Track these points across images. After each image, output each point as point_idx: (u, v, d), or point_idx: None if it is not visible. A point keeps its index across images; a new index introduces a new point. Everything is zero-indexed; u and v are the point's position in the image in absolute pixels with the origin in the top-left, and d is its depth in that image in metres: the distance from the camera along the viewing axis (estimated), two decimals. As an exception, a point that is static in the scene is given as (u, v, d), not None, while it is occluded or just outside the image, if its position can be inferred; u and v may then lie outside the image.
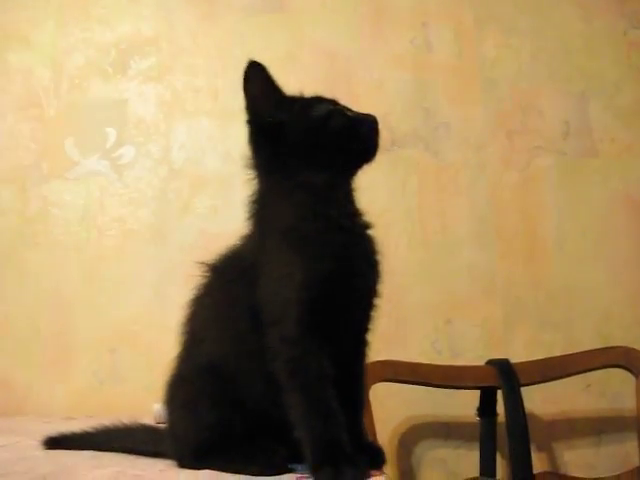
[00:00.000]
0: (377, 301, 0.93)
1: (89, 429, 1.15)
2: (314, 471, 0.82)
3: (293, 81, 1.78)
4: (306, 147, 0.94)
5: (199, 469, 0.90)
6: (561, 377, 1.51)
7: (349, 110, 0.99)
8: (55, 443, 1.13)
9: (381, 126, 1.67)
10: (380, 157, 1.73)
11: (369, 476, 0.82)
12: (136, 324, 1.68)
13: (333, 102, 1.01)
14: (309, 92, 1.73)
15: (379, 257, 0.93)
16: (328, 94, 1.76)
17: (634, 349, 1.48)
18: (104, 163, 1.77)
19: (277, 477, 0.85)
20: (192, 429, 0.94)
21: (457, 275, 1.71)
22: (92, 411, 1.54)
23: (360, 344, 0.94)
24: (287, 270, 0.87)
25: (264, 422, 0.90)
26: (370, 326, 0.93)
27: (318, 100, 1.01)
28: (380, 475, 0.84)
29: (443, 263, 1.72)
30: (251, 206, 0.96)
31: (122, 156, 1.77)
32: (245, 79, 0.93)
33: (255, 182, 0.96)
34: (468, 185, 1.76)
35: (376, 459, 0.90)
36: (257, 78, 0.92)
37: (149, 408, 1.33)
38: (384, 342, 1.67)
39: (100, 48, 1.81)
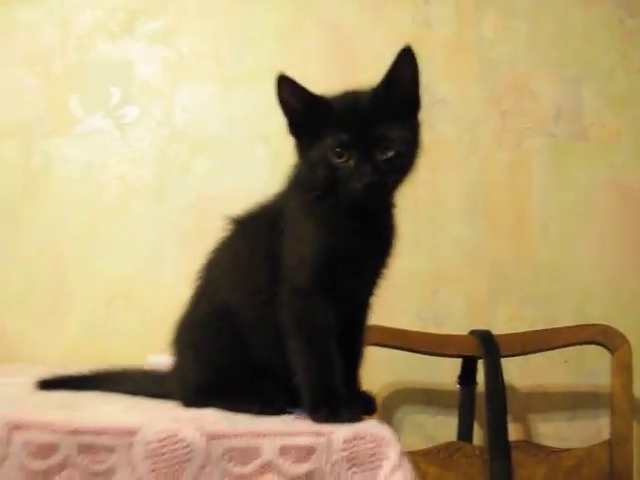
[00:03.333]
0: (382, 274, 1.01)
1: (85, 372, 1.19)
2: (311, 412, 0.89)
3: (297, 50, 1.85)
4: None
5: (203, 407, 0.96)
6: (540, 350, 1.57)
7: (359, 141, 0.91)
8: (50, 384, 1.16)
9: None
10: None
11: (361, 419, 0.88)
12: (131, 280, 1.73)
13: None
14: (313, 62, 1.79)
15: (392, 241, 1.00)
16: (329, 65, 1.82)
17: (611, 327, 1.53)
18: (107, 121, 1.80)
19: (276, 417, 0.91)
20: (199, 369, 1.01)
21: (445, 248, 1.77)
22: (86, 362, 1.57)
23: (363, 306, 1.03)
24: (307, 233, 0.94)
25: (267, 368, 0.97)
26: (374, 292, 1.02)
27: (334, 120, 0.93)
28: (372, 418, 0.91)
29: (432, 235, 1.77)
30: (290, 172, 1.02)
31: (125, 115, 1.80)
32: (277, 89, 0.94)
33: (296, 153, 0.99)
34: (460, 161, 1.81)
35: (368, 406, 0.97)
36: (286, 88, 0.94)
37: (141, 361, 1.36)
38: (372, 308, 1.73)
39: (107, 8, 1.83)
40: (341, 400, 0.89)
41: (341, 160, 0.89)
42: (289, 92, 0.92)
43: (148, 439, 0.82)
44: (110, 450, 0.82)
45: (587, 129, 1.83)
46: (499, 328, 1.63)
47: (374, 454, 0.82)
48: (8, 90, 1.80)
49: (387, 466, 0.81)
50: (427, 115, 1.78)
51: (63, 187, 1.77)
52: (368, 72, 1.76)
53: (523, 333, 1.58)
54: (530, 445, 1.49)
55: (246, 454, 0.82)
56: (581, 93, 1.84)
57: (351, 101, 0.92)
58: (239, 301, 0.99)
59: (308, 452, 0.82)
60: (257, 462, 0.82)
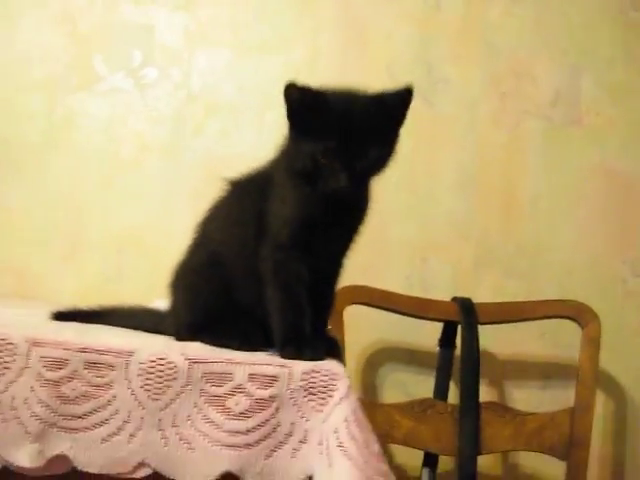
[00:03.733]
0: (353, 238, 1.15)
1: (96, 307, 1.35)
2: (280, 349, 1.04)
3: (310, 22, 1.94)
4: None
5: (192, 341, 1.11)
6: (516, 321, 1.67)
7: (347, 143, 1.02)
8: (64, 316, 1.30)
9: (384, 74, 1.84)
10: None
11: (322, 358, 1.03)
12: (143, 229, 1.85)
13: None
14: (324, 35, 1.87)
15: (363, 212, 1.15)
16: (341, 37, 1.91)
17: (583, 304, 1.62)
18: (128, 81, 1.90)
19: (252, 353, 1.05)
20: (190, 309, 1.17)
21: (437, 219, 1.87)
22: (98, 303, 1.71)
23: (336, 265, 1.17)
24: (290, 198, 1.08)
25: (249, 310, 1.12)
26: (346, 253, 1.16)
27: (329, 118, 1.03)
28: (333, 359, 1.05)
29: (425, 206, 1.87)
30: (280, 145, 1.13)
31: (145, 76, 1.90)
32: (286, 94, 1.04)
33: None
34: (458, 138, 1.90)
35: (332, 348, 1.11)
36: (295, 94, 1.04)
37: (150, 304, 1.49)
38: (363, 270, 1.80)
39: (134, -26, 1.94)
40: (306, 341, 1.04)
41: (325, 161, 1.01)
42: (297, 98, 1.03)
43: (142, 359, 0.98)
44: (110, 366, 0.97)
45: (582, 115, 1.90)
46: (482, 297, 1.73)
47: (327, 386, 0.97)
48: (37, 47, 1.90)
49: (336, 396, 0.96)
50: (430, 93, 1.91)
51: (83, 140, 1.89)
52: (377, 47, 1.89)
53: (501, 303, 1.68)
54: (499, 407, 1.59)
55: (221, 377, 0.97)
56: (580, 80, 1.91)
57: (345, 112, 1.02)
58: (229, 252, 1.14)
59: (272, 380, 0.97)
60: (230, 385, 0.97)
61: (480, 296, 1.74)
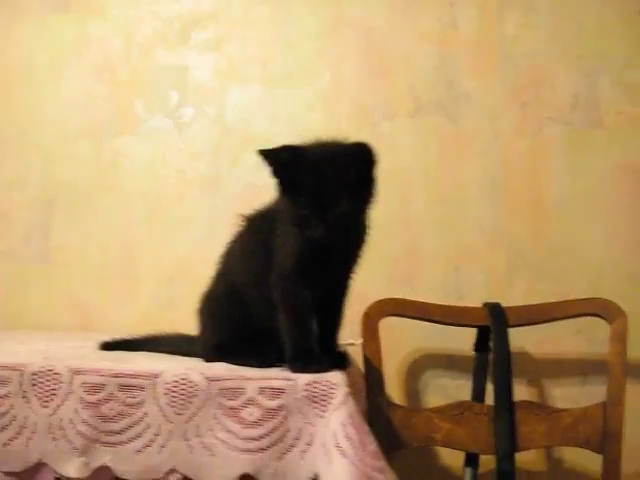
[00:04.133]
0: (352, 266, 1.29)
1: (137, 336, 1.53)
2: (290, 364, 1.19)
3: (333, 52, 2.04)
4: None
5: (218, 362, 1.27)
6: (546, 321, 1.69)
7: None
8: (110, 346, 1.49)
9: (407, 95, 1.93)
10: (405, 122, 2.00)
11: (328, 371, 1.17)
12: (190, 259, 1.98)
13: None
14: (348, 62, 1.95)
15: (359, 242, 1.28)
16: (362, 64, 2.00)
17: (611, 301, 1.62)
18: (167, 121, 2.04)
19: (269, 369, 1.20)
20: (215, 333, 1.34)
21: (467, 228, 1.93)
22: (152, 330, 1.83)
23: (339, 287, 1.31)
24: (289, 234, 1.22)
25: (265, 332, 1.26)
26: (348, 277, 1.30)
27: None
28: (337, 371, 1.18)
29: (455, 217, 1.94)
30: None
31: (183, 116, 2.04)
32: (264, 159, 1.20)
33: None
34: (482, 150, 1.96)
35: (340, 362, 1.26)
36: (270, 158, 1.19)
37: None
38: (400, 282, 1.93)
39: (166, 20, 2.07)
40: (312, 357, 1.18)
41: (304, 212, 1.14)
42: (271, 161, 1.18)
43: (167, 380, 1.14)
44: (141, 388, 1.15)
45: (603, 117, 1.94)
46: (516, 301, 1.76)
47: (327, 394, 1.11)
48: (81, 96, 2.07)
49: (335, 403, 1.10)
50: (452, 109, 1.98)
51: (130, 180, 2.04)
52: (398, 69, 1.98)
53: (530, 305, 1.72)
54: (533, 405, 1.63)
55: (235, 392, 1.13)
56: (597, 83, 1.95)
57: (315, 168, 1.14)
58: (245, 281, 1.30)
59: (279, 391, 1.12)
60: (243, 398, 1.13)
61: (513, 300, 1.77)
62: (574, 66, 1.97)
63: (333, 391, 1.11)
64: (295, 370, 1.16)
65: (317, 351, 1.20)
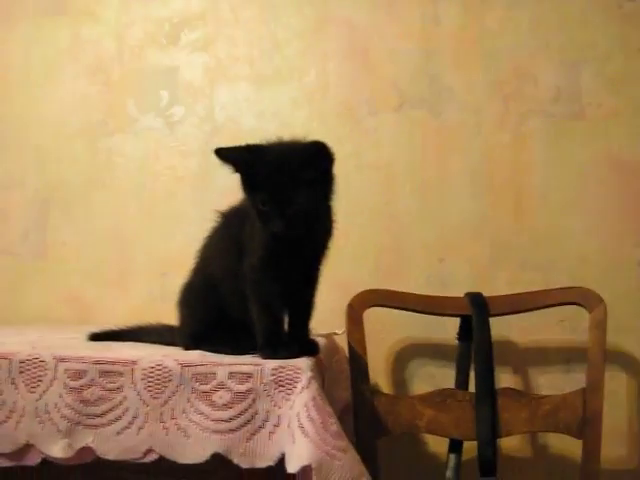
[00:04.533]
0: (320, 256, 1.34)
1: (124, 327, 1.60)
2: (260, 350, 1.25)
3: (318, 50, 2.08)
4: None
5: (195, 350, 1.34)
6: (527, 310, 1.71)
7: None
8: (98, 337, 1.57)
9: (391, 90, 1.93)
10: (390, 117, 2.04)
11: (297, 357, 1.22)
12: (182, 254, 1.95)
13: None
14: (333, 60, 1.99)
15: (324, 236, 1.33)
16: (347, 62, 2.04)
17: (590, 290, 1.65)
18: (159, 120, 2.10)
19: (241, 356, 1.25)
20: (192, 323, 1.41)
21: (451, 220, 1.96)
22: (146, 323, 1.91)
23: (308, 278, 1.35)
24: (257, 229, 1.26)
25: (238, 322, 1.33)
26: (316, 268, 1.35)
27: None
28: (305, 357, 1.24)
29: (440, 209, 1.97)
30: None
31: (173, 114, 2.10)
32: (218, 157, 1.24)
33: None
34: (465, 143, 1.98)
35: (311, 349, 1.31)
36: (225, 155, 1.24)
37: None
38: (385, 274, 1.96)
39: (156, 22, 2.12)
40: (281, 343, 1.25)
41: (264, 208, 1.19)
42: (227, 159, 1.23)
43: (144, 366, 1.21)
44: (120, 374, 1.21)
45: (585, 109, 1.95)
46: (500, 291, 1.78)
47: (292, 379, 1.16)
48: (76, 97, 2.13)
49: (299, 386, 1.15)
50: (435, 103, 2.02)
51: (124, 177, 2.10)
52: (382, 66, 2.01)
53: (511, 295, 1.75)
54: (514, 392, 1.65)
55: (207, 377, 1.19)
56: (579, 75, 1.96)
57: (273, 165, 1.18)
58: (219, 273, 1.36)
59: (248, 376, 1.17)
60: (214, 382, 1.18)
61: (497, 290, 1.79)
62: (556, 59, 1.98)
63: (298, 375, 1.16)
64: (265, 356, 1.22)
65: (286, 338, 1.27)
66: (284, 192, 1.18)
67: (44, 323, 2.01)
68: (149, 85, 2.12)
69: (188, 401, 1.18)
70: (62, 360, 1.23)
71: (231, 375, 1.18)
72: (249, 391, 1.16)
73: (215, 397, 1.17)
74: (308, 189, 1.18)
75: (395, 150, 2.01)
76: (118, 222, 2.10)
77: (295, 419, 1.12)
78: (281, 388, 1.16)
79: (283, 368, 1.17)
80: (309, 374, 1.16)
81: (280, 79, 2.07)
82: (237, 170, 1.23)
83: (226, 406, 1.16)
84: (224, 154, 1.22)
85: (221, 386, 1.17)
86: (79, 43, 2.16)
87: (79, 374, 1.21)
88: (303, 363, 1.18)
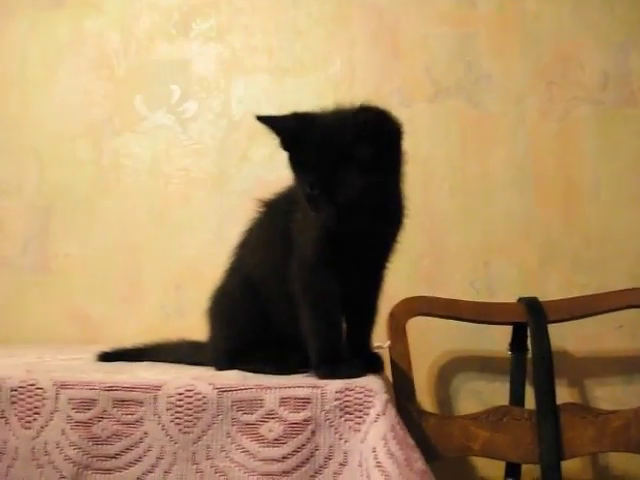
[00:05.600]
0: (388, 250, 1.13)
1: (139, 345, 1.38)
2: (315, 368, 1.02)
3: (342, 37, 1.92)
4: None
5: (230, 369, 1.11)
6: (587, 315, 1.59)
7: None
8: (109, 357, 1.34)
9: (424, 79, 1.80)
10: (424, 107, 1.88)
11: (359, 375, 1.00)
12: (199, 263, 1.86)
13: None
14: (360, 47, 1.84)
15: (393, 224, 1.12)
16: (375, 49, 1.88)
17: None
18: (170, 117, 1.94)
19: (291, 376, 1.04)
20: (228, 336, 1.16)
21: (495, 219, 1.82)
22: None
23: (372, 278, 1.13)
24: (310, 217, 1.04)
25: (285, 333, 1.11)
26: (383, 265, 1.13)
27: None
28: (372, 376, 1.03)
29: (482, 208, 1.82)
30: None
31: (186, 111, 1.94)
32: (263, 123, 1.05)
33: None
34: (507, 135, 1.84)
35: (374, 365, 1.09)
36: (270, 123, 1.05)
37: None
38: (426, 280, 1.81)
39: (164, 12, 1.97)
40: (341, 360, 1.02)
41: (314, 192, 0.99)
42: (273, 126, 1.04)
43: (170, 392, 0.98)
44: (139, 403, 0.99)
45: (636, 94, 1.83)
46: (552, 295, 1.65)
47: (362, 403, 0.95)
48: (78, 95, 1.98)
49: (373, 413, 0.94)
50: (473, 91, 1.86)
51: (132, 180, 1.94)
52: (413, 52, 1.85)
53: (570, 299, 1.60)
54: (578, 407, 1.51)
55: (252, 404, 0.97)
56: (628, 59, 1.84)
57: (324, 141, 0.98)
58: (261, 275, 1.13)
59: (305, 402, 0.96)
60: (261, 411, 0.97)
61: (549, 294, 1.66)
62: (602, 41, 1.86)
63: (370, 399, 0.95)
64: (322, 376, 1.01)
65: (347, 353, 1.05)
66: (334, 173, 0.97)
67: (45, 343, 1.83)
68: (158, 80, 1.97)
69: (228, 436, 0.96)
70: (64, 386, 1.01)
71: (283, 401, 0.96)
72: (307, 421, 0.95)
73: (263, 430, 0.96)
74: (365, 169, 0.97)
75: (431, 144, 1.85)
76: (126, 231, 1.93)
77: (370, 455, 0.91)
78: (348, 416, 0.95)
79: (350, 390, 0.96)
80: (384, 397, 0.95)
81: (302, 70, 1.91)
82: (284, 144, 1.03)
83: (278, 441, 0.95)
84: (267, 122, 1.03)
85: (271, 416, 0.96)
86: (81, 36, 2.00)
87: (87, 404, 0.99)
88: (374, 383, 0.97)
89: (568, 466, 1.64)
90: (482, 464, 1.71)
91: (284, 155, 1.83)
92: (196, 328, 1.77)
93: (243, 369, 1.10)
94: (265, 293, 1.13)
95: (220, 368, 1.15)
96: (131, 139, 1.94)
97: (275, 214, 1.17)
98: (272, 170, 1.86)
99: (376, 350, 1.37)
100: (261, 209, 1.21)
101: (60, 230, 1.95)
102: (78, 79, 1.98)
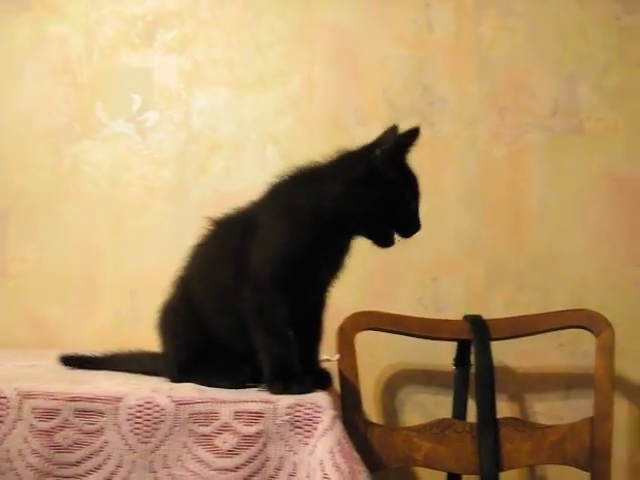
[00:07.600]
0: (333, 281, 1.19)
1: (99, 354, 1.40)
2: (269, 384, 1.07)
3: (303, 54, 1.96)
4: None
5: (183, 382, 1.15)
6: (529, 334, 1.63)
7: None
8: (71, 361, 1.37)
9: (381, 100, 1.85)
10: (380, 128, 1.89)
11: (310, 391, 1.06)
12: (155, 271, 1.87)
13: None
14: (319, 66, 1.88)
15: (344, 261, 1.19)
16: (334, 68, 1.93)
17: (596, 312, 1.57)
18: (130, 126, 1.95)
19: (241, 390, 1.09)
20: (176, 351, 1.20)
21: (445, 238, 1.86)
22: (114, 346, 1.74)
23: (319, 302, 1.19)
24: (275, 242, 1.10)
25: (234, 348, 1.15)
26: (327, 291, 1.20)
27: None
28: (321, 392, 1.08)
29: (432, 226, 1.83)
30: (271, 186, 1.19)
31: (146, 120, 1.95)
32: None
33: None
34: (460, 157, 1.89)
35: (323, 381, 1.14)
36: None
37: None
38: (375, 295, 1.84)
39: (128, 20, 1.97)
40: (294, 376, 1.07)
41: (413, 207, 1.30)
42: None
43: (130, 404, 1.03)
44: (100, 413, 1.03)
45: (583, 123, 1.89)
46: (496, 313, 1.70)
47: (311, 418, 1.00)
48: (39, 99, 1.97)
49: (321, 428, 0.99)
50: (428, 113, 1.91)
51: (90, 187, 1.94)
52: (372, 73, 1.90)
53: (512, 318, 1.65)
54: (517, 421, 1.57)
55: (208, 417, 1.02)
56: (577, 88, 1.90)
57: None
58: (206, 289, 1.18)
59: (258, 416, 1.01)
60: (216, 423, 1.02)
61: (494, 312, 1.72)
62: (553, 70, 1.92)
63: (318, 415, 1.00)
64: (275, 391, 1.05)
65: (299, 370, 1.09)
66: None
67: (1, 347, 1.83)
68: (120, 88, 1.97)
69: (184, 446, 1.01)
70: (28, 396, 1.04)
71: (237, 415, 1.01)
72: (259, 434, 1.00)
73: (218, 441, 1.01)
74: None
75: (386, 163, 1.88)
76: (84, 236, 1.93)
77: (318, 467, 0.96)
78: (298, 430, 1.00)
79: (300, 406, 1.01)
80: (332, 413, 1.00)
81: (262, 85, 1.94)
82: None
83: (232, 452, 1.00)
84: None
85: (225, 428, 1.01)
86: (44, 41, 1.99)
87: (50, 414, 1.03)
88: (323, 400, 1.02)
89: (506, 477, 1.70)
90: (424, 474, 1.76)
91: (242, 168, 1.89)
92: (150, 336, 1.79)
93: (197, 382, 1.14)
94: (211, 309, 1.17)
95: (173, 380, 1.18)
96: (91, 145, 1.94)
97: (227, 234, 1.20)
98: (230, 183, 1.90)
99: (325, 362, 1.43)
100: (212, 228, 1.24)
101: (18, 234, 1.94)
102: (39, 84, 1.97)
